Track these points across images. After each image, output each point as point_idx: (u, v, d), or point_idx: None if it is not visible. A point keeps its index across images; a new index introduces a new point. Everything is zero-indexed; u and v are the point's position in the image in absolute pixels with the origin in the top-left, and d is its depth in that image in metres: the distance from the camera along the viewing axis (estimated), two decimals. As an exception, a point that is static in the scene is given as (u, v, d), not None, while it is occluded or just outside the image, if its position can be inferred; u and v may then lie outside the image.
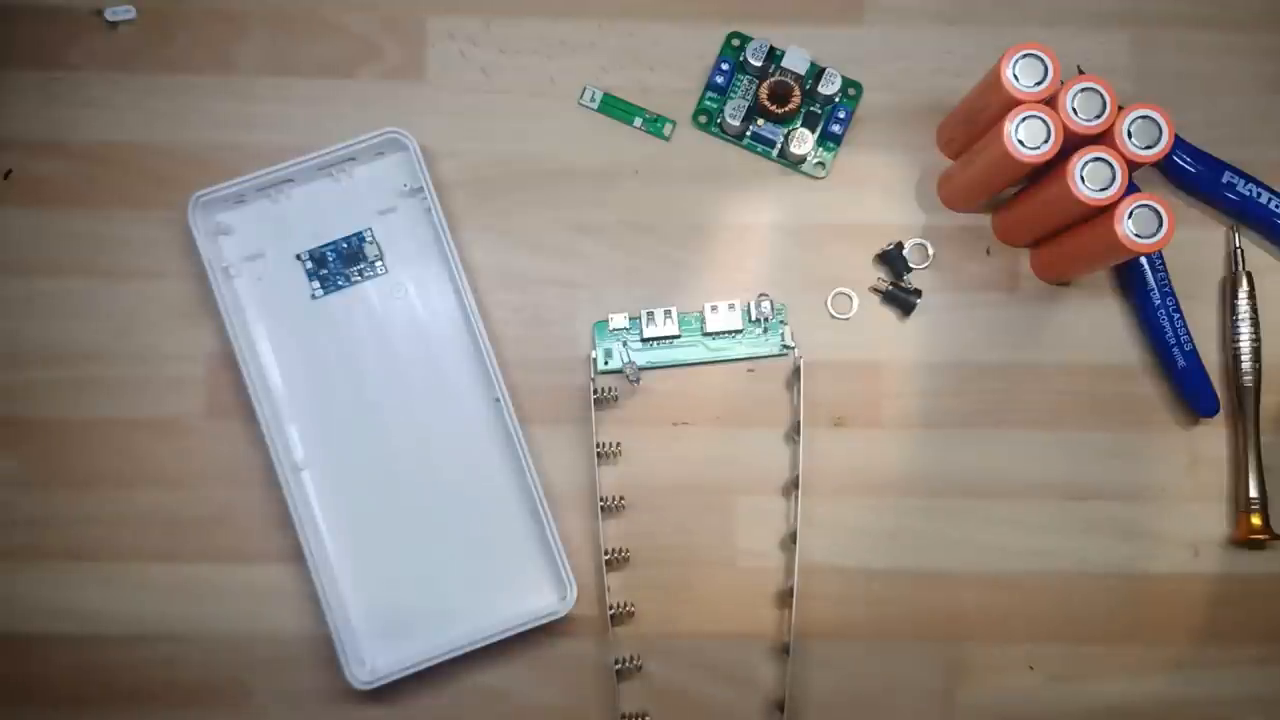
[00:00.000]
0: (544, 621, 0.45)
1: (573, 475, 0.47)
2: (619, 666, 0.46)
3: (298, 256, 0.48)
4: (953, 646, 0.48)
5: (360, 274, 0.48)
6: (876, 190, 0.49)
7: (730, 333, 0.48)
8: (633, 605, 0.47)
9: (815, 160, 0.49)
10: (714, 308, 0.48)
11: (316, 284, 0.48)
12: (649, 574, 0.47)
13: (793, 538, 0.47)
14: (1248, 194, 0.47)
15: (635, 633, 0.47)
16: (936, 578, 0.48)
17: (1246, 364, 0.47)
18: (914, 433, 0.48)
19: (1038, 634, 0.48)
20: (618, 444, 0.47)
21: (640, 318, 0.48)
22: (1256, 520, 0.47)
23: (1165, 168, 0.48)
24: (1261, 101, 0.50)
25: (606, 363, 0.48)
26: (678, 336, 0.48)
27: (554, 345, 0.48)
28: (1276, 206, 0.47)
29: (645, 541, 0.47)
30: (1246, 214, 0.48)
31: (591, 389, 0.47)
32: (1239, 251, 0.48)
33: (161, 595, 0.47)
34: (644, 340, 0.48)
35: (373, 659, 0.45)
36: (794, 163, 0.49)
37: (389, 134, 0.47)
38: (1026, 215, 0.47)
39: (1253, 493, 0.47)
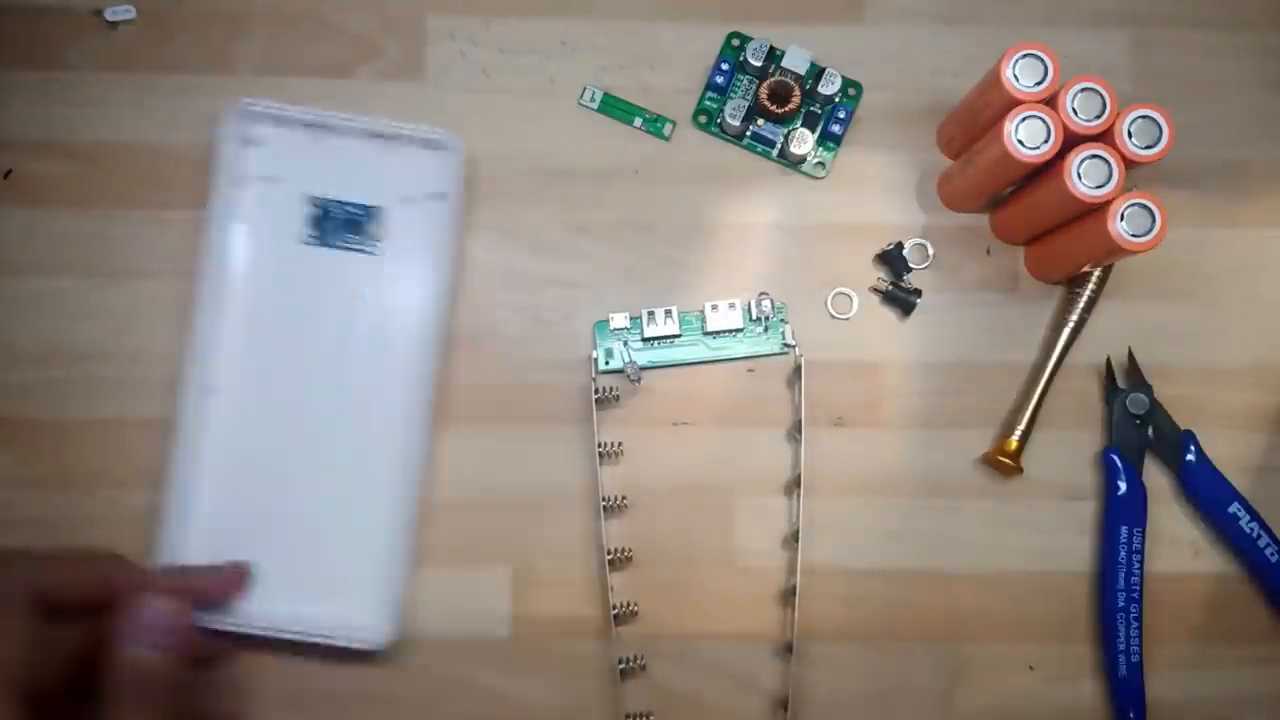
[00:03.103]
0: (348, 645, 0.45)
1: (574, 475, 0.47)
2: (622, 666, 0.46)
3: (309, 199, 0.48)
4: (953, 646, 0.48)
5: (353, 244, 0.48)
6: (876, 190, 0.49)
7: (731, 332, 0.48)
8: (636, 604, 0.47)
9: (815, 160, 0.49)
10: (714, 307, 0.48)
11: (311, 232, 0.48)
12: (651, 574, 0.47)
13: (795, 537, 0.47)
14: (1249, 532, 0.47)
15: (638, 633, 0.47)
16: (936, 578, 0.48)
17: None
18: (914, 433, 0.48)
19: (1038, 634, 0.48)
20: (619, 444, 0.47)
21: (641, 317, 0.48)
22: (1012, 445, 0.47)
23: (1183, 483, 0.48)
24: (1261, 101, 0.50)
25: (607, 363, 0.48)
26: (678, 336, 0.48)
27: (555, 345, 0.48)
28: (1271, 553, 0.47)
29: (647, 542, 0.47)
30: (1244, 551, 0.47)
31: (593, 389, 0.47)
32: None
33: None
34: (645, 340, 0.48)
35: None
36: (794, 163, 0.49)
37: (441, 134, 0.47)
38: (1023, 212, 0.47)
39: (1022, 424, 0.47)
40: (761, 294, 0.48)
